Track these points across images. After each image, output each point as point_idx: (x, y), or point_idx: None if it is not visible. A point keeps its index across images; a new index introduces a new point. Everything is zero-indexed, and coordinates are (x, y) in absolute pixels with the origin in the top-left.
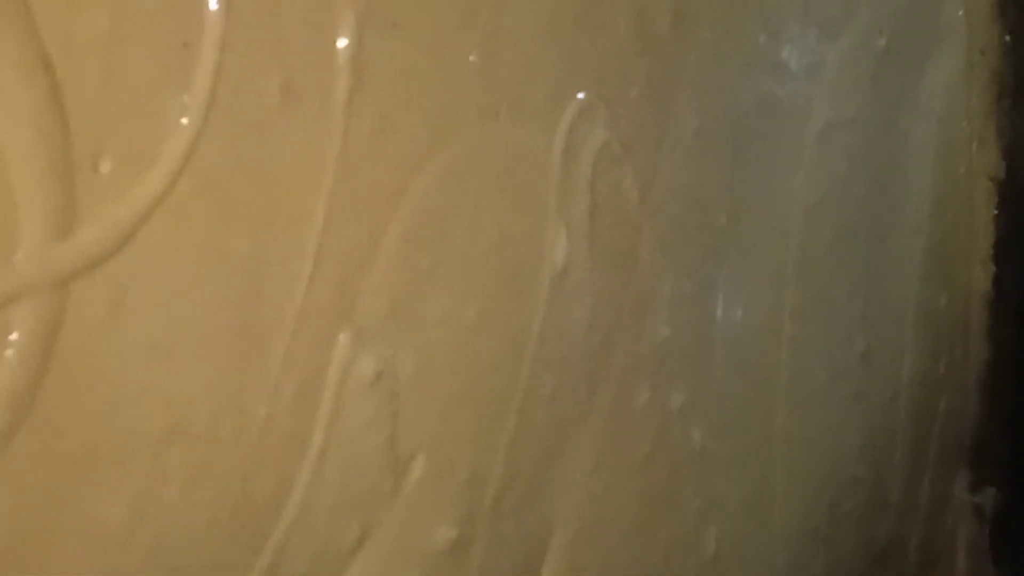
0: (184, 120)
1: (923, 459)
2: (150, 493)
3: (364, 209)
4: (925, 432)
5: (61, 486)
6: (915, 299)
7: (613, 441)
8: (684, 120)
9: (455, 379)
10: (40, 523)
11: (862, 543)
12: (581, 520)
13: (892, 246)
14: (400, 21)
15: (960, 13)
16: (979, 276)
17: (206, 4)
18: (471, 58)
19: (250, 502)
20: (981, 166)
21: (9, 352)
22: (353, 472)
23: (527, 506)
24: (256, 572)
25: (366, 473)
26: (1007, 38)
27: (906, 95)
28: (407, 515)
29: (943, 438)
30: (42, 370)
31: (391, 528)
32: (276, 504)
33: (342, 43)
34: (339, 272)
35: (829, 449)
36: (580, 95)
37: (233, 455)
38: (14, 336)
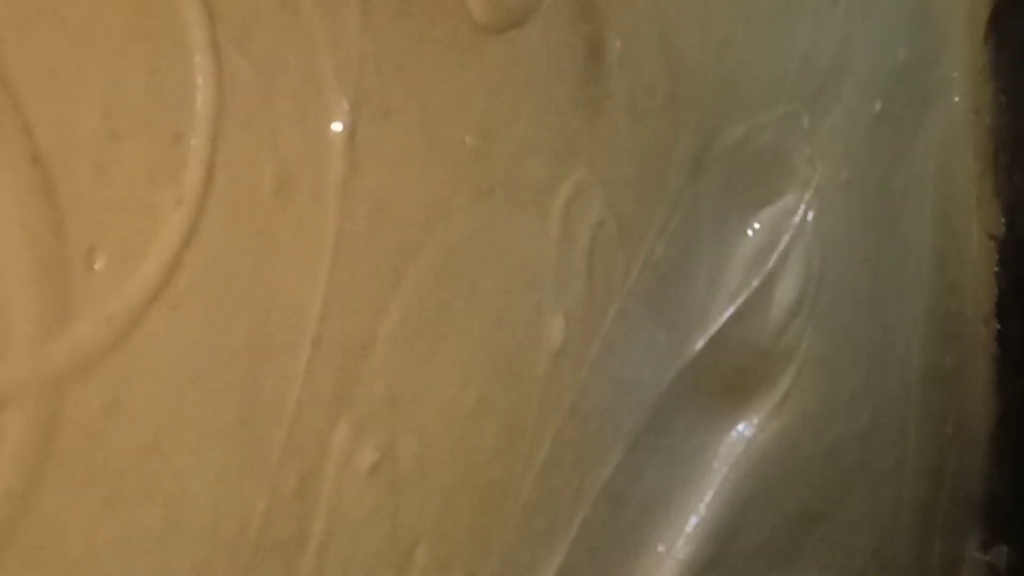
0: (178, 212)
1: (932, 521)
2: None
3: (362, 294)
4: (933, 494)
5: None
6: (919, 361)
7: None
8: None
9: (456, 467)
10: None
11: None
12: None
13: (893, 309)
14: (394, 107)
15: (955, 74)
16: (983, 334)
17: (196, 95)
18: (466, 140)
19: None
20: (980, 224)
21: (3, 458)
22: (354, 567)
23: None
24: None
25: (367, 567)
26: (1002, 97)
27: (901, 157)
28: None
29: (952, 499)
30: (37, 474)
31: None
32: None
33: (336, 128)
34: (338, 359)
35: (835, 520)
36: (576, 173)
37: (234, 552)
38: (8, 442)
